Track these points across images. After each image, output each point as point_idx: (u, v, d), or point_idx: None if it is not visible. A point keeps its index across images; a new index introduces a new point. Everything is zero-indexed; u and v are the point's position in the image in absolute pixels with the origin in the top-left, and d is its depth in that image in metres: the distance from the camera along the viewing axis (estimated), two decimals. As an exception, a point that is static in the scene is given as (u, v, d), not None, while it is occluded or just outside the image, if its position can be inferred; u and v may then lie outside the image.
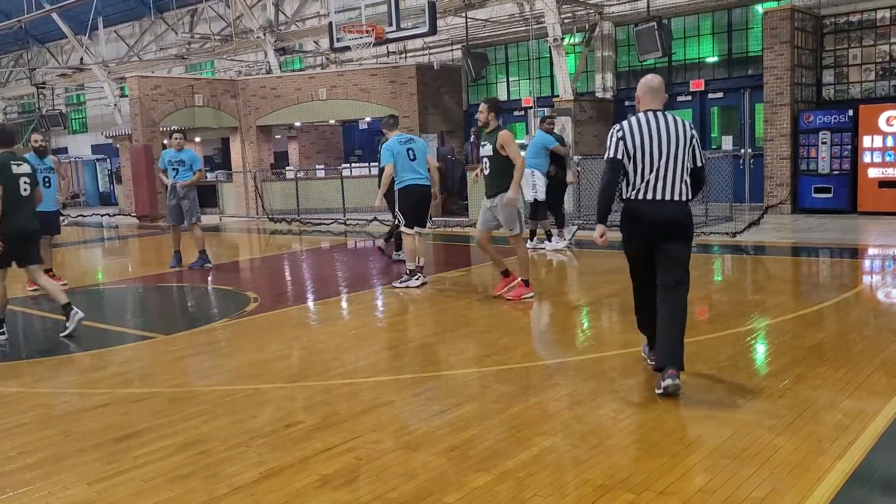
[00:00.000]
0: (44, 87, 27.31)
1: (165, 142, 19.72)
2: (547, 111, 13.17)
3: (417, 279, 8.12)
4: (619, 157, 4.50)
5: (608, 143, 4.60)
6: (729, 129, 15.40)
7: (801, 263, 9.30)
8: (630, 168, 4.50)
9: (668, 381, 4.23)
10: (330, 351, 5.84)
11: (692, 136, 4.50)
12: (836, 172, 12.80)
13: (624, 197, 4.58)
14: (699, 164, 4.53)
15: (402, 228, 8.15)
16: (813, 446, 3.54)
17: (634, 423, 3.93)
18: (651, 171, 4.43)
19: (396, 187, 8.12)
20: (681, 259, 4.57)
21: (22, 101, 31.74)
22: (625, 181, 4.56)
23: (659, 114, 4.51)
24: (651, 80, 4.62)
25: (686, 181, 4.48)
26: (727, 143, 14.71)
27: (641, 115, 4.54)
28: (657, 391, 4.31)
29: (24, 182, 6.44)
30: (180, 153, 10.17)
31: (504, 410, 4.20)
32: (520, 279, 7.27)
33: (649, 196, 4.45)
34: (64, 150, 29.77)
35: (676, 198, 4.45)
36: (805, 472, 3.28)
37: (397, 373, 5.13)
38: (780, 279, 8.34)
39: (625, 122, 4.59)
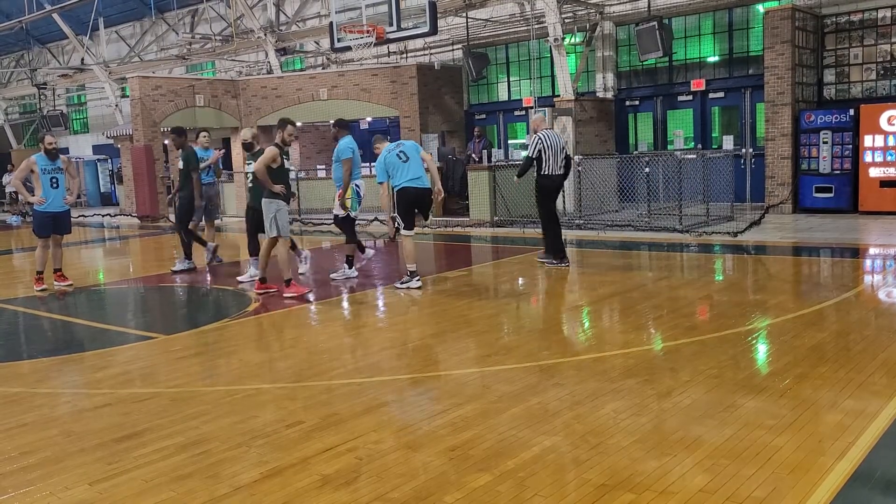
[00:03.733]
0: (45, 88, 27.33)
1: (166, 142, 19.74)
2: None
3: (418, 280, 8.11)
4: (535, 156, 8.91)
5: (532, 146, 8.96)
6: (730, 128, 15.39)
7: (802, 263, 9.29)
8: (545, 158, 8.85)
9: (566, 264, 9.00)
10: (330, 351, 5.84)
11: (565, 142, 9.73)
12: (838, 172, 12.79)
13: (541, 174, 8.92)
14: (568, 154, 9.21)
15: (402, 231, 8.07)
16: (814, 446, 3.54)
17: (635, 423, 3.93)
18: (552, 159, 8.88)
19: (395, 190, 8.12)
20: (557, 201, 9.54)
21: (23, 102, 31.76)
22: (538, 165, 8.91)
23: (550, 131, 9.15)
24: (541, 116, 9.62)
25: (564, 163, 9.02)
26: (728, 142, 14.69)
27: (544, 131, 8.99)
28: (562, 265, 8.93)
29: None
30: (206, 151, 10.75)
31: (505, 410, 4.20)
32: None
33: (552, 172, 8.93)
34: (65, 151, 29.78)
35: (561, 172, 9.04)
36: (806, 472, 3.28)
37: (398, 373, 5.13)
38: (781, 279, 8.34)
39: (541, 133, 8.96)
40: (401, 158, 8.02)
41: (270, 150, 7.90)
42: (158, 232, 16.51)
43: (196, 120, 18.93)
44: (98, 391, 4.99)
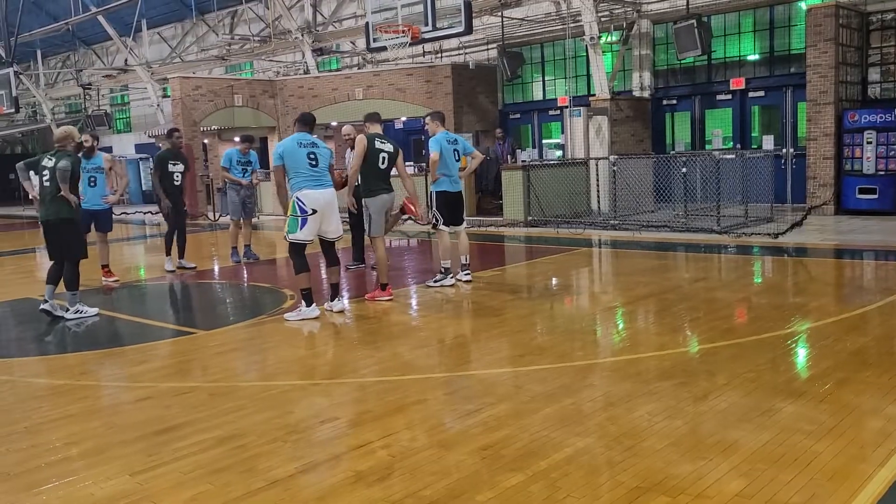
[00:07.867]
0: (90, 88, 28.01)
1: (205, 141, 20.08)
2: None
3: (452, 278, 8.16)
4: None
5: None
6: (770, 128, 15.10)
7: (845, 266, 9.08)
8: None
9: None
10: (364, 349, 5.89)
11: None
12: (882, 173, 12.47)
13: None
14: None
15: (440, 227, 8.19)
16: (854, 452, 3.46)
17: (670, 425, 3.89)
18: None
19: (434, 188, 8.17)
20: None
21: (69, 102, 32.62)
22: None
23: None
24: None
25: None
26: (768, 142, 14.44)
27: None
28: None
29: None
30: (248, 155, 11.04)
31: (538, 411, 4.19)
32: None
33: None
34: (109, 150, 30.51)
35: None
36: (846, 478, 3.21)
37: (431, 371, 5.15)
38: (822, 282, 8.16)
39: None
40: (455, 157, 8.16)
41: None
42: (198, 230, 16.80)
43: (234, 120, 19.25)
44: (139, 384, 5.11)
